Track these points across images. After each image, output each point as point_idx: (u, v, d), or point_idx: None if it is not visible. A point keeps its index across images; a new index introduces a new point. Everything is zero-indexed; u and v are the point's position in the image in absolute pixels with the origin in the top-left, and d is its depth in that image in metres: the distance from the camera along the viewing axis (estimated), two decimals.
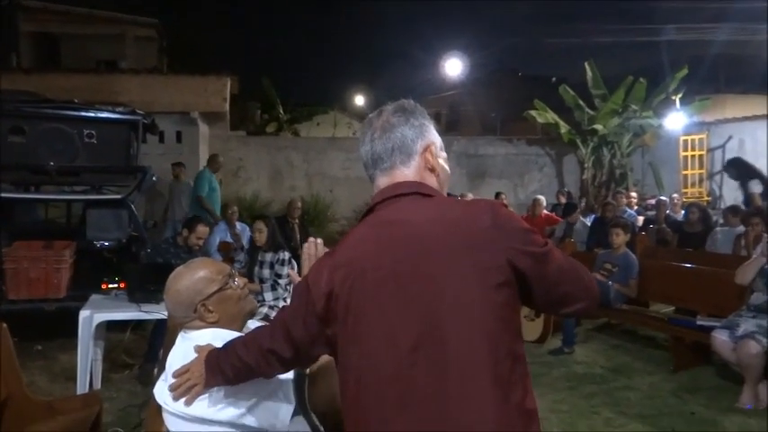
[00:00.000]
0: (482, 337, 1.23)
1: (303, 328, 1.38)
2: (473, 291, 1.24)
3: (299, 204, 7.98)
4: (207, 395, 1.57)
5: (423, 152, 1.41)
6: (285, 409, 1.63)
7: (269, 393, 1.62)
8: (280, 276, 4.98)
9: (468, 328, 1.23)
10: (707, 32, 17.60)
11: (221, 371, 1.51)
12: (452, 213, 1.31)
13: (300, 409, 1.69)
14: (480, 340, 1.23)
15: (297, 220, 7.66)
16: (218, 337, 1.67)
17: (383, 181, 1.42)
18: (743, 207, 7.40)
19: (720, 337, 4.25)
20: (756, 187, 7.81)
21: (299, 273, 1.61)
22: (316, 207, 11.83)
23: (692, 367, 4.78)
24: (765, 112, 11.20)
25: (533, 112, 12.19)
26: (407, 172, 1.39)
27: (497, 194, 10.15)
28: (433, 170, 1.41)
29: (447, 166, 1.47)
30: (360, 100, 33.59)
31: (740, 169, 8.02)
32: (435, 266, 1.26)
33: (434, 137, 1.45)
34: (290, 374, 1.66)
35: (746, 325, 4.18)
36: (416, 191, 1.37)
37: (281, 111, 15.69)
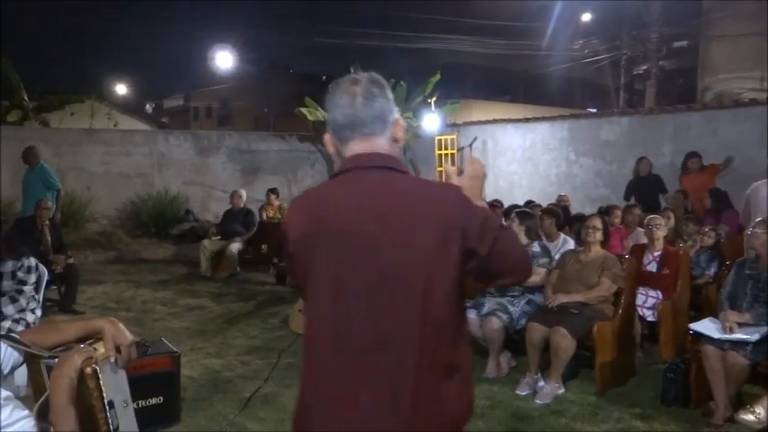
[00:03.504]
0: (421, 311, 1.41)
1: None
2: (428, 265, 1.42)
3: (50, 204, 7.15)
4: None
5: (393, 124, 1.56)
6: None
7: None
8: (24, 283, 4.43)
9: (411, 303, 1.42)
10: (456, 44, 19.59)
11: None
12: (419, 192, 1.49)
13: None
14: (417, 314, 1.42)
15: (47, 222, 6.86)
16: None
17: (360, 146, 1.53)
18: None
19: (469, 316, 4.81)
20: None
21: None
22: (71, 206, 10.68)
23: None
24: (504, 117, 12.91)
25: (304, 110, 12.43)
26: (382, 141, 1.54)
27: (271, 190, 10.18)
28: (397, 141, 1.57)
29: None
30: (122, 89, 31.04)
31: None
32: (398, 239, 1.42)
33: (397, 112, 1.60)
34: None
35: (489, 304, 4.78)
36: (392, 166, 1.52)
37: (26, 97, 13.88)
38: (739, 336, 3.73)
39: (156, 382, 3.61)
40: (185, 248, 10.48)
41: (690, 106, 10.05)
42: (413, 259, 1.42)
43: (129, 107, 26.21)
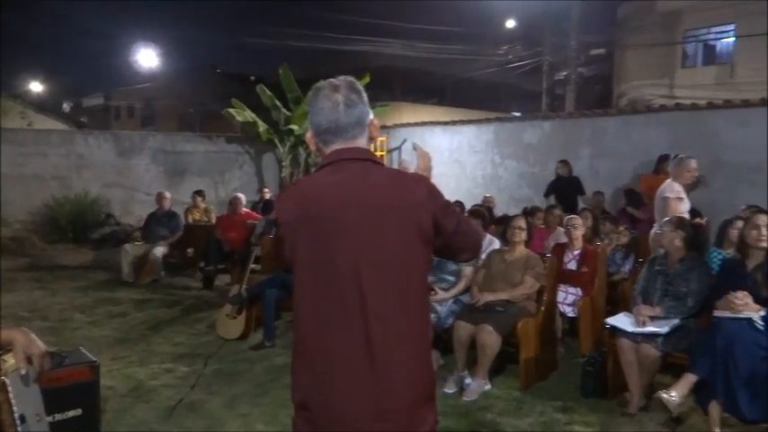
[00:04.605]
0: (397, 284, 1.61)
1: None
2: (403, 244, 1.61)
3: None
4: None
5: (369, 125, 1.75)
6: None
7: None
8: None
9: (387, 274, 1.60)
10: (385, 47, 19.73)
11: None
12: (395, 181, 1.68)
13: None
14: (394, 288, 1.61)
15: None
16: None
17: (342, 146, 1.71)
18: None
19: None
20: None
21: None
22: None
23: None
24: (432, 120, 13.13)
25: (232, 111, 12.21)
26: (361, 141, 1.73)
27: (197, 192, 9.92)
28: (373, 139, 1.78)
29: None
30: (36, 87, 29.53)
31: None
32: (377, 221, 1.61)
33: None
34: None
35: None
36: (369, 158, 1.71)
37: None
38: (651, 329, 3.95)
39: (73, 394, 3.46)
40: (106, 253, 10.07)
41: (606, 111, 10.54)
42: (390, 239, 1.61)
43: (45, 106, 24.96)
